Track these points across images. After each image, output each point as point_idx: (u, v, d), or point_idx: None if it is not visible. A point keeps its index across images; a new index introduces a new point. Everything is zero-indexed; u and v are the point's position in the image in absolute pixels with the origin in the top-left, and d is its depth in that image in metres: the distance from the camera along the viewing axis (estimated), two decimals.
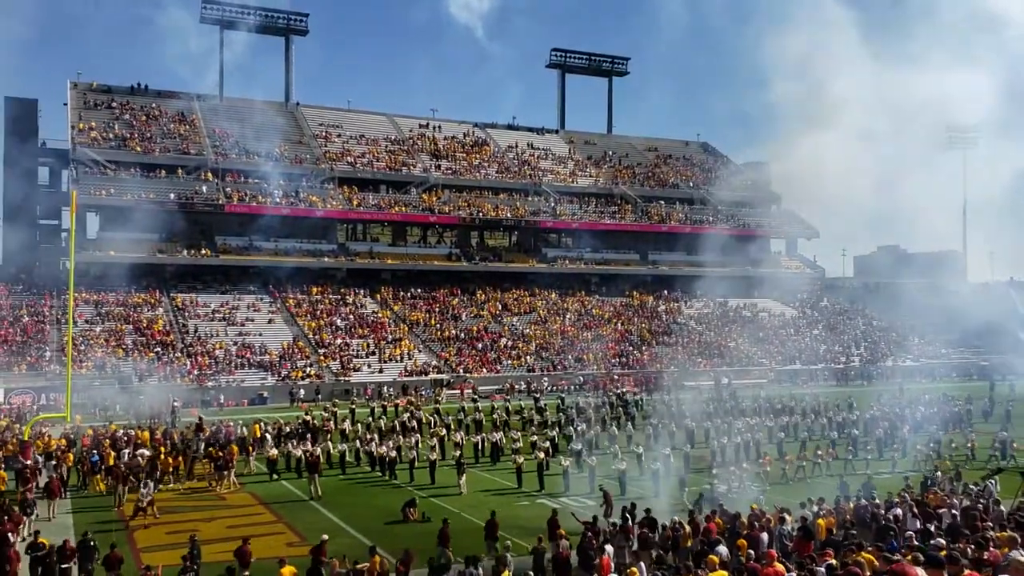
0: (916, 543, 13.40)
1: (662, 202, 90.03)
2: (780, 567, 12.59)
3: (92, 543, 18.20)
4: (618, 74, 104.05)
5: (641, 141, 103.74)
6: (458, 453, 30.47)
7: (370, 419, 42.20)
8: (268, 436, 34.52)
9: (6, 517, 20.14)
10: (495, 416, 41.24)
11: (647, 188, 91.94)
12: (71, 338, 35.13)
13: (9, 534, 18.59)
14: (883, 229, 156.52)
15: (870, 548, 13.21)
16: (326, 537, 18.34)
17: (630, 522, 18.94)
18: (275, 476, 30.30)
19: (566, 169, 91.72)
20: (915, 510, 19.00)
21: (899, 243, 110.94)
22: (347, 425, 39.16)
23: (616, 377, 62.65)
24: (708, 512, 19.52)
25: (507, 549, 17.18)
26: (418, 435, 35.40)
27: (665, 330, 75.33)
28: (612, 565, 16.05)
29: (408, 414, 41.10)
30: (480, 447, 34.49)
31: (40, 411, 42.41)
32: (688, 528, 18.37)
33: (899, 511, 19.02)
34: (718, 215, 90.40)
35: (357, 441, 34.23)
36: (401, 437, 34.22)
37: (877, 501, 20.41)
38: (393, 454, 31.06)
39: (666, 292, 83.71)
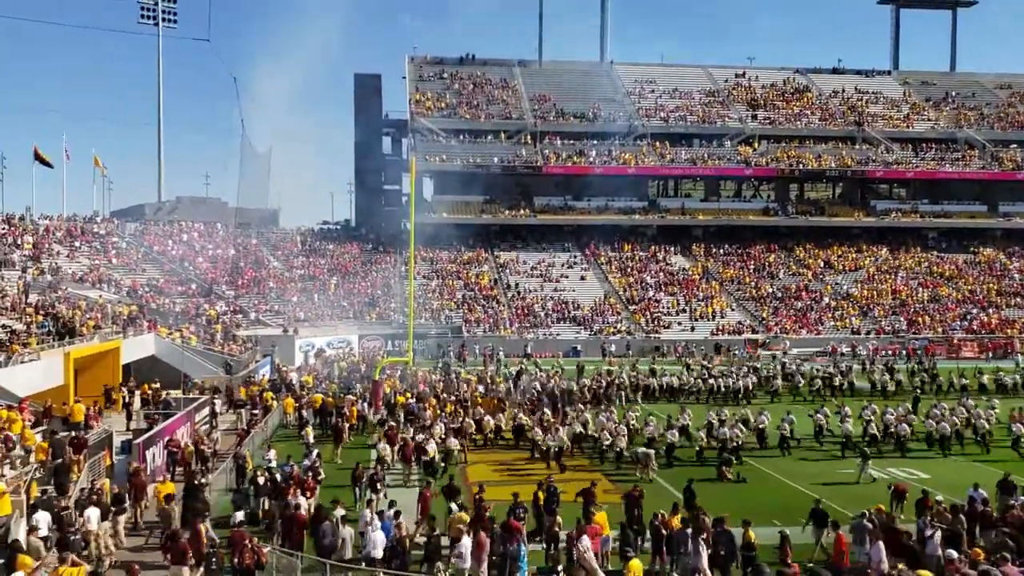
0: None
1: (1015, 146, 78.95)
2: None
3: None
4: (964, 4, 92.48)
5: (991, 79, 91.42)
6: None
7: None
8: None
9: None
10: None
11: (997, 131, 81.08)
12: (412, 292, 38.90)
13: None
14: None
15: None
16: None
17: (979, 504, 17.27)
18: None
19: (899, 113, 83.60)
20: None
21: None
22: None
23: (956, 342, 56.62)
24: None
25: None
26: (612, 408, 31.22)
27: (1018, 291, 66.48)
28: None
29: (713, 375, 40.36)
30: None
31: (387, 355, 47.50)
32: None
33: None
34: None
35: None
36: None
37: None
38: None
39: (1020, 248, 73.70)
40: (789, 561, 14.42)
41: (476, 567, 15.04)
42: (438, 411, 28.86)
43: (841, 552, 15.00)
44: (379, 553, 15.40)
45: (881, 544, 14.64)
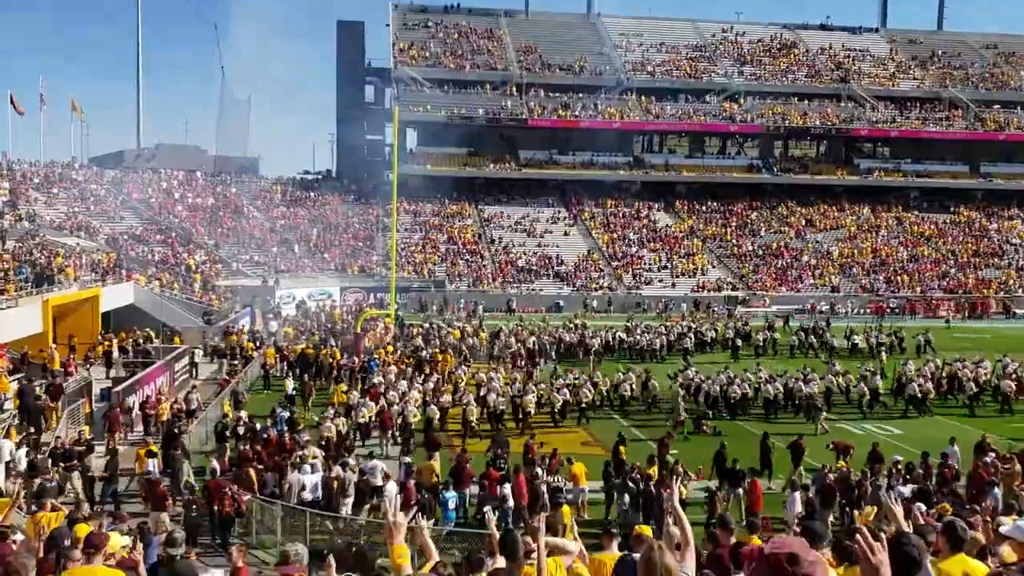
0: None
1: (999, 107, 79.02)
2: None
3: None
4: None
5: (978, 38, 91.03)
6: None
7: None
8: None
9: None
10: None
11: (982, 91, 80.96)
12: (395, 244, 38.74)
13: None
14: None
15: None
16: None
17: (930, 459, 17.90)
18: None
19: (886, 71, 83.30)
20: None
21: None
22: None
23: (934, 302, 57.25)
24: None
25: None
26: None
27: (995, 251, 67.12)
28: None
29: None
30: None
31: (370, 308, 47.34)
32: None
33: None
34: None
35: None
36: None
37: None
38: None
39: (999, 209, 74.20)
40: (717, 512, 15.11)
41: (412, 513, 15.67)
42: (402, 367, 28.75)
43: (756, 498, 15.81)
44: (308, 496, 15.92)
45: (797, 495, 15.45)
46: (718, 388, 26.68)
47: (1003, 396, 27.62)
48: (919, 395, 26.80)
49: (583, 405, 25.14)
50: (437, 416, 22.89)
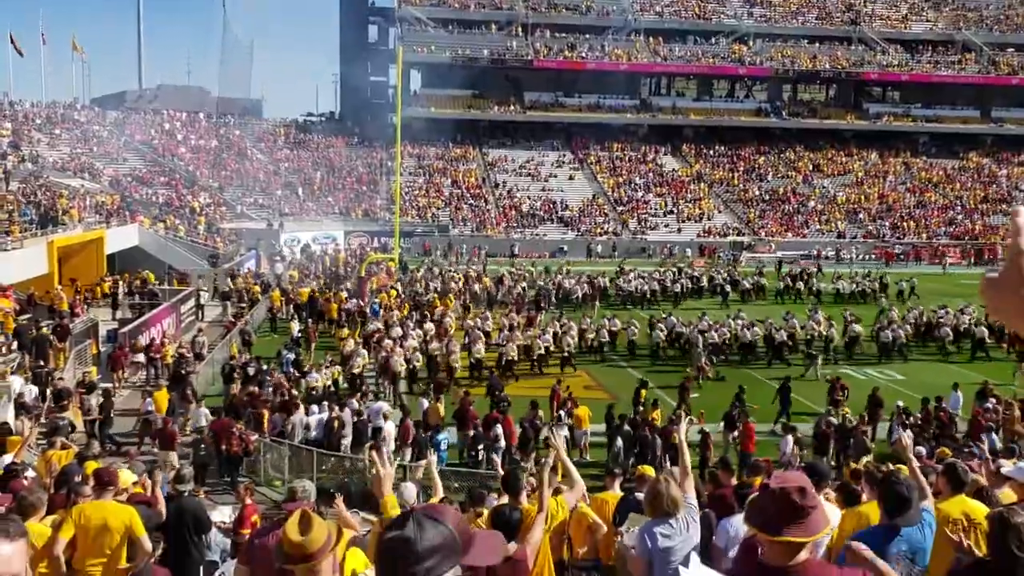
0: None
1: (1013, 50, 77.55)
2: None
3: None
4: None
5: None
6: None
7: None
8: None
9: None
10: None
11: (996, 34, 79.35)
12: (399, 188, 38.52)
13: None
14: None
15: None
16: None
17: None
18: None
19: (898, 13, 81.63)
20: None
21: None
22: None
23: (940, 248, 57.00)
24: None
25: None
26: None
27: (1004, 197, 66.56)
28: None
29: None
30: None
31: (374, 252, 47.27)
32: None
33: None
34: None
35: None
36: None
37: None
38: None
39: (1009, 154, 73.37)
40: (709, 455, 15.65)
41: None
42: (404, 311, 28.75)
43: (748, 439, 16.32)
44: (313, 435, 16.47)
45: (789, 437, 15.84)
46: (698, 334, 26.67)
47: (976, 342, 27.89)
48: (891, 341, 27.11)
49: (566, 353, 24.97)
50: (422, 362, 22.78)
